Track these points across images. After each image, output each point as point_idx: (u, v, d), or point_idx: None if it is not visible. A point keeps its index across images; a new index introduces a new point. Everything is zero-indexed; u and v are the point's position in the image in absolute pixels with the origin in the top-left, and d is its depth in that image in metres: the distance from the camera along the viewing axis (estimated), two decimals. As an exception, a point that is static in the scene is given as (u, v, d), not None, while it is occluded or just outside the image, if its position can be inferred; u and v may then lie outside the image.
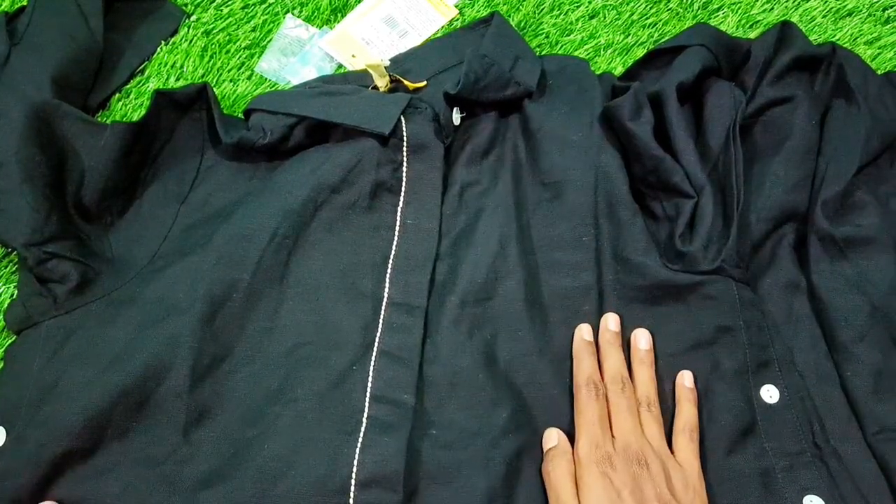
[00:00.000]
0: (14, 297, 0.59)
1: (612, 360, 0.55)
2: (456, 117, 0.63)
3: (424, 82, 0.66)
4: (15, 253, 0.61)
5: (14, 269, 0.61)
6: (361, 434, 0.52)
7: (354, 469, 0.51)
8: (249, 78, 0.71)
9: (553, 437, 0.53)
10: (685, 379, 0.55)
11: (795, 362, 0.57)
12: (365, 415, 0.53)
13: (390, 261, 0.59)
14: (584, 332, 0.57)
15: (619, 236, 0.60)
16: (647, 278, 0.58)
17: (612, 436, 0.52)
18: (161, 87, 0.68)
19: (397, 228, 0.60)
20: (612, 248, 0.60)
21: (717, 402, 0.55)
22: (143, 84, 0.69)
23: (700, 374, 0.56)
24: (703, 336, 0.57)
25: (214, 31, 0.72)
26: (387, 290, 0.58)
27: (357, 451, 0.51)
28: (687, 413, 0.54)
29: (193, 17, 0.73)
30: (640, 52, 0.72)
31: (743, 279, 0.58)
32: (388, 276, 0.58)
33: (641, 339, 0.57)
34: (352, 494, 0.50)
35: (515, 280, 0.58)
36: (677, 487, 0.50)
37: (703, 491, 0.51)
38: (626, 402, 0.53)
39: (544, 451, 0.53)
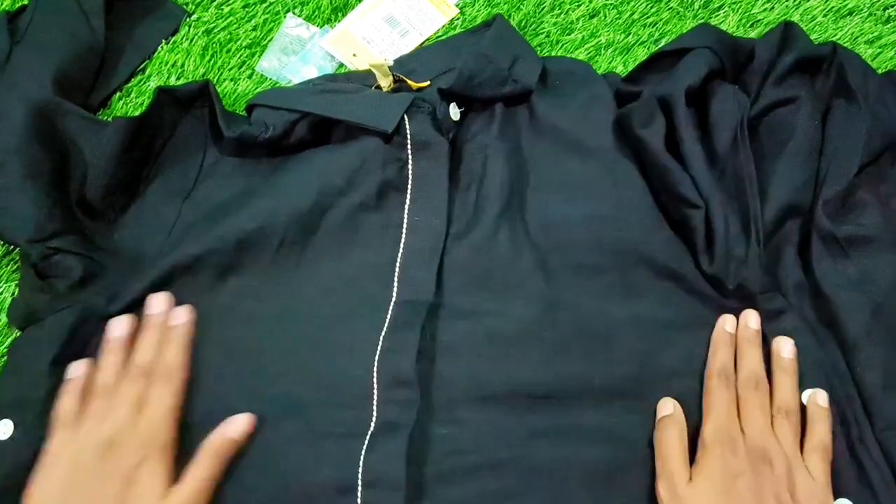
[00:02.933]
0: (15, 294, 0.59)
1: (748, 359, 0.55)
2: (454, 112, 0.63)
3: (428, 82, 0.66)
4: (16, 251, 0.61)
5: (15, 267, 0.61)
6: (368, 436, 0.52)
7: (360, 469, 0.51)
8: (250, 77, 0.71)
9: (668, 407, 0.53)
10: (819, 398, 0.54)
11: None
12: (373, 418, 0.53)
13: (398, 259, 0.58)
14: (727, 323, 0.57)
15: (645, 241, 0.59)
16: (687, 285, 0.58)
17: (742, 431, 0.51)
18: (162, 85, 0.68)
19: (405, 226, 0.59)
20: (637, 253, 0.59)
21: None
22: (144, 83, 0.69)
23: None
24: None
25: (215, 30, 0.72)
26: (395, 289, 0.58)
27: (363, 451, 0.51)
28: (821, 432, 0.52)
29: (194, 16, 0.73)
30: (640, 52, 0.72)
31: (770, 287, 0.58)
32: (396, 275, 0.58)
33: (785, 347, 0.56)
34: (359, 494, 0.50)
35: (533, 283, 0.58)
36: (801, 496, 0.48)
37: None
38: (759, 400, 0.52)
39: (657, 419, 0.53)
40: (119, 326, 0.55)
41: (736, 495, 0.48)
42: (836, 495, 0.51)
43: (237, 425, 0.52)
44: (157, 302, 0.56)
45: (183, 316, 0.55)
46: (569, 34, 0.73)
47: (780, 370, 0.55)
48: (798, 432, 0.52)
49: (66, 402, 0.52)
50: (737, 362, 0.55)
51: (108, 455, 0.48)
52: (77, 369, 0.54)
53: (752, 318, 0.57)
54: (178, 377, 0.53)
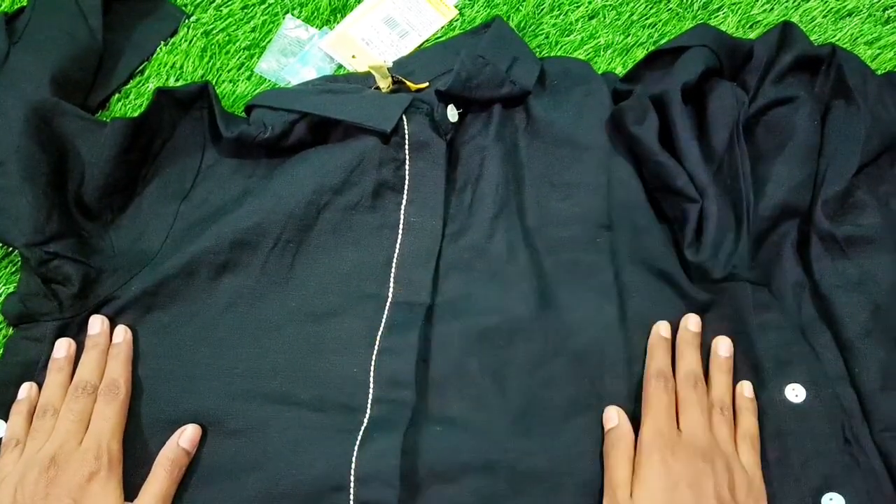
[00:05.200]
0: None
1: (687, 359, 0.55)
2: (452, 114, 0.63)
3: (426, 84, 0.66)
4: (15, 252, 0.61)
5: (14, 269, 0.61)
6: (361, 432, 0.52)
7: (353, 466, 0.51)
8: (249, 78, 0.71)
9: (613, 417, 0.53)
10: (745, 389, 0.55)
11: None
12: (367, 416, 0.53)
13: (394, 260, 0.59)
14: (661, 328, 0.57)
15: (637, 241, 0.60)
16: (674, 285, 0.58)
17: (679, 430, 0.52)
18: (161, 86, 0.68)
19: (401, 227, 0.60)
20: (629, 252, 0.59)
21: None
22: (143, 84, 0.69)
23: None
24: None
25: (214, 32, 0.72)
26: (391, 289, 0.58)
27: (356, 448, 0.51)
28: (747, 422, 0.53)
29: (193, 18, 0.73)
30: (639, 53, 0.72)
31: (759, 280, 0.58)
32: (392, 275, 0.58)
33: (722, 346, 0.56)
34: (351, 491, 0.50)
35: (528, 282, 0.58)
36: (739, 491, 0.49)
37: (763, 500, 0.50)
38: (697, 398, 0.53)
39: (605, 430, 0.53)
40: (62, 347, 0.55)
41: (678, 501, 0.48)
42: (827, 489, 0.51)
43: (187, 436, 0.52)
44: (95, 322, 0.56)
45: (121, 335, 0.56)
46: (568, 35, 0.73)
47: (716, 368, 0.55)
48: (732, 426, 0.53)
49: (13, 422, 0.53)
50: (676, 364, 0.55)
51: (53, 473, 0.48)
52: (24, 390, 0.54)
53: (691, 321, 0.57)
54: (121, 393, 0.53)
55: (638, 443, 0.51)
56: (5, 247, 0.61)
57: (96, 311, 0.57)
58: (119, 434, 0.52)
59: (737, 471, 0.50)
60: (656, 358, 0.55)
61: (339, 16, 0.74)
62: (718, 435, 0.52)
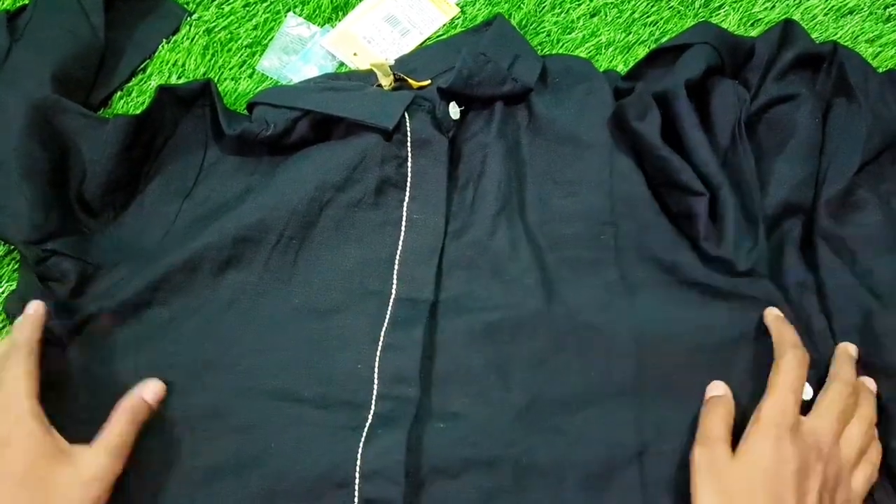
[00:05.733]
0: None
1: (846, 370, 0.52)
2: (454, 111, 0.63)
3: (428, 81, 0.66)
4: (17, 251, 0.61)
5: (16, 266, 0.61)
6: (365, 429, 0.52)
7: (358, 463, 0.51)
8: (251, 76, 0.71)
9: (720, 388, 0.52)
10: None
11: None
12: (371, 412, 0.53)
13: (397, 257, 0.59)
14: (774, 310, 0.55)
15: (643, 236, 0.60)
16: (685, 277, 0.58)
17: (803, 418, 0.48)
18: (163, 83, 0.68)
19: (403, 224, 0.60)
20: (635, 248, 0.59)
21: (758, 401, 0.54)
22: (145, 82, 0.69)
23: (741, 372, 0.55)
24: (744, 335, 0.56)
25: (216, 30, 0.72)
26: (394, 286, 0.58)
27: (360, 444, 0.52)
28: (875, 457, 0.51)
29: (195, 16, 0.73)
30: (641, 51, 0.72)
31: (771, 277, 0.58)
32: (395, 272, 0.58)
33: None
34: (356, 487, 0.50)
35: (530, 278, 0.58)
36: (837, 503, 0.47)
37: None
38: (842, 403, 0.49)
39: (706, 398, 0.52)
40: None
41: (781, 482, 0.44)
42: None
43: (150, 388, 0.51)
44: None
45: (32, 307, 0.53)
46: (569, 33, 0.73)
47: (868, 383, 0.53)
48: (867, 444, 0.50)
49: None
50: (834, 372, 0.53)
51: None
52: None
53: (852, 347, 0.55)
54: (27, 345, 0.49)
55: (756, 411, 0.48)
56: (8, 245, 0.61)
57: (94, 308, 0.56)
58: (29, 386, 0.48)
59: (844, 484, 0.47)
60: (787, 333, 0.52)
61: (340, 14, 0.74)
62: (844, 447, 0.49)
